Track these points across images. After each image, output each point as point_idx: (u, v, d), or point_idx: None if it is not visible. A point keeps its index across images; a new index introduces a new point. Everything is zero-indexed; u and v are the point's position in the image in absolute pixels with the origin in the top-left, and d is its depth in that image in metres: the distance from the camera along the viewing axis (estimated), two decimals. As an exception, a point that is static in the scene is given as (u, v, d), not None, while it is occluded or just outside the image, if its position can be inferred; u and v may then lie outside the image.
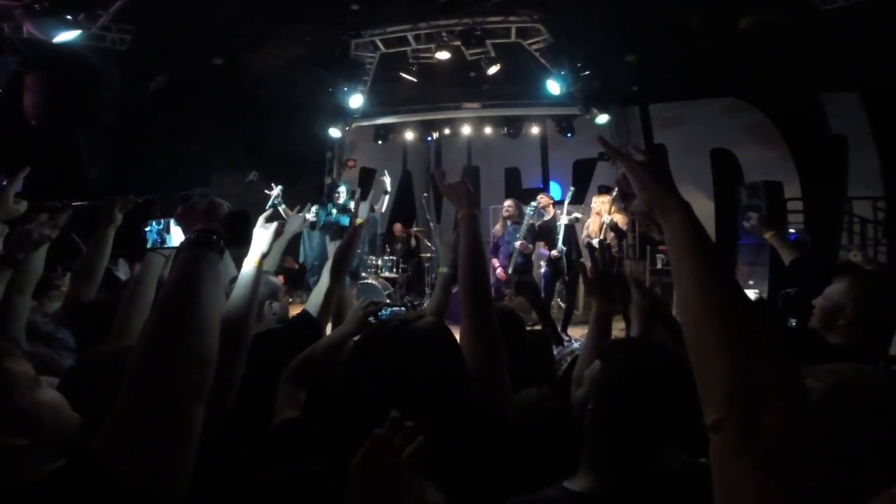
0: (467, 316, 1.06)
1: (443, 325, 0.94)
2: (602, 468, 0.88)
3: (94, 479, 0.62)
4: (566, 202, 5.45)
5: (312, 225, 5.75)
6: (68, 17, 4.06)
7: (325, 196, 5.81)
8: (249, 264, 1.30)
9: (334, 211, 5.73)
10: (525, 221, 5.10)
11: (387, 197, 5.84)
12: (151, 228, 1.11)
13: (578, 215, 5.60)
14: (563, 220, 5.30)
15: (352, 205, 5.82)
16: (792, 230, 6.02)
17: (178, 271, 0.78)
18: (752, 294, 5.21)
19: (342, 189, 5.88)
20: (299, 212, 2.27)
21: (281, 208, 5.38)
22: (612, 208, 5.39)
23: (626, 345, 1.03)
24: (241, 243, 0.92)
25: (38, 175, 5.02)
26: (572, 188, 5.62)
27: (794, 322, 2.17)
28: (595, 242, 4.46)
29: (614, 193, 5.50)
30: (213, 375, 0.74)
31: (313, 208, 5.79)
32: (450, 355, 0.89)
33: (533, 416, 1.19)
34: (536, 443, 1.04)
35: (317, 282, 2.12)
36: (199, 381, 0.72)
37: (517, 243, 5.07)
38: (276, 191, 5.50)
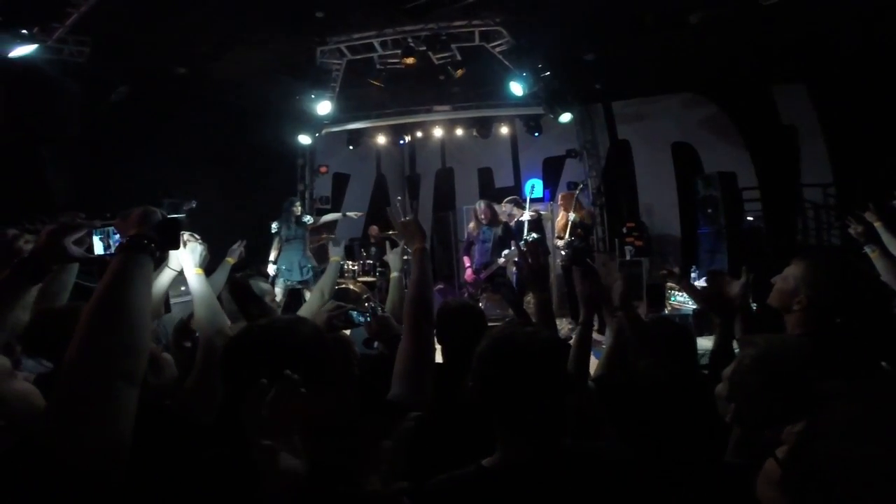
0: (409, 327, 1.26)
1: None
2: (504, 445, 0.98)
3: (39, 458, 0.67)
4: (528, 199, 5.62)
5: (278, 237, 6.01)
6: (23, 31, 3.99)
7: (284, 211, 6.02)
8: (191, 275, 1.54)
9: (294, 226, 5.93)
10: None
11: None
12: (95, 237, 1.22)
13: (543, 211, 5.78)
14: (526, 216, 5.46)
15: (307, 218, 6.12)
16: (750, 217, 6.33)
17: (111, 271, 0.85)
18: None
19: (298, 205, 6.16)
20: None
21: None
22: (576, 205, 5.56)
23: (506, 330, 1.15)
24: (172, 247, 1.01)
25: (0, 192, 4.87)
26: (533, 185, 5.80)
27: (754, 305, 2.26)
28: (522, 244, 4.78)
29: (577, 191, 5.70)
30: (145, 362, 0.82)
31: (275, 225, 5.93)
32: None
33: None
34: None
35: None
36: (132, 367, 0.79)
37: (500, 260, 5.25)
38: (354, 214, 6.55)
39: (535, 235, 5.34)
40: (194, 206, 5.62)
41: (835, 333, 1.50)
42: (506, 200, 6.12)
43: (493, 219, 5.40)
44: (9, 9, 3.88)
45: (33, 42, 4.12)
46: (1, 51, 3.99)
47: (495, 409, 1.00)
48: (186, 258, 1.57)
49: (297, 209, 6.08)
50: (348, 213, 6.89)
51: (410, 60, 5.87)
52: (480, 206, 5.50)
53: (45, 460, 0.67)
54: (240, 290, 2.21)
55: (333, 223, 6.98)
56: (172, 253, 1.60)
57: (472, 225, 5.63)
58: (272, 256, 5.88)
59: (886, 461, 0.56)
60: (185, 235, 1.58)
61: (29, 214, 1.85)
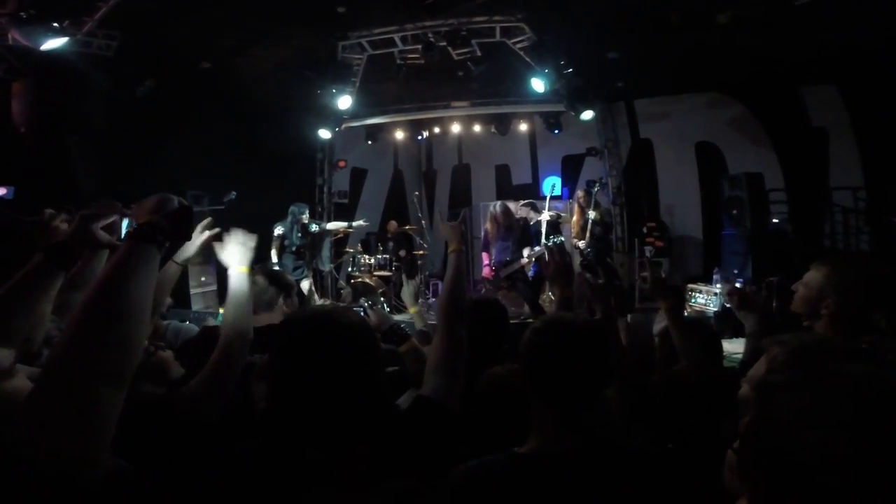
0: (442, 325, 1.29)
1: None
2: (543, 433, 0.97)
3: (7, 461, 0.62)
4: (548, 198, 5.57)
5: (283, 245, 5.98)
6: (54, 24, 4.09)
7: (291, 218, 5.94)
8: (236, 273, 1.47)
9: (299, 234, 5.91)
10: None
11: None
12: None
13: (563, 213, 5.73)
14: (545, 216, 5.42)
15: (314, 227, 6.07)
16: (776, 220, 6.16)
17: (113, 261, 0.80)
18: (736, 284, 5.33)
19: (307, 212, 6.08)
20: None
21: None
22: (595, 203, 5.50)
23: (548, 318, 1.15)
24: (184, 238, 0.97)
25: (29, 183, 4.99)
26: (553, 185, 5.75)
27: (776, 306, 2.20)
28: (550, 243, 4.73)
29: (595, 189, 5.62)
30: (136, 363, 0.75)
31: (279, 228, 5.92)
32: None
33: (497, 387, 1.36)
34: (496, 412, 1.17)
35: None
36: (119, 369, 0.72)
37: (524, 260, 5.23)
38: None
39: (560, 238, 5.29)
40: (233, 196, 5.64)
41: (866, 335, 1.48)
42: (521, 204, 6.07)
43: (510, 221, 5.38)
44: (41, 2, 3.97)
45: (64, 35, 4.21)
46: (33, 43, 4.08)
47: (539, 393, 1.00)
48: (235, 254, 1.49)
49: (305, 218, 5.95)
50: (353, 224, 6.81)
51: (431, 55, 5.84)
52: (497, 209, 5.48)
53: (14, 464, 0.62)
54: (279, 278, 2.29)
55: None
56: (221, 246, 1.51)
57: (489, 226, 5.62)
58: (273, 258, 5.78)
59: (831, 444, 0.59)
60: (239, 232, 1.50)
61: (56, 205, 1.86)
